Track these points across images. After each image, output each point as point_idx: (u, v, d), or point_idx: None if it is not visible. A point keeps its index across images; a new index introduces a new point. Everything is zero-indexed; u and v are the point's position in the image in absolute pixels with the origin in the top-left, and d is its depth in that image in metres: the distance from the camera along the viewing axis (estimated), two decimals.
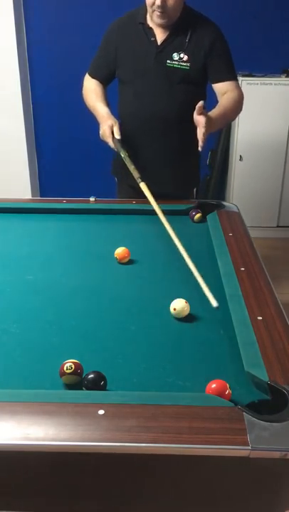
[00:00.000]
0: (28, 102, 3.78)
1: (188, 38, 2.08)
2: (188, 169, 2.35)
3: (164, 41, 2.10)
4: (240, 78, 3.51)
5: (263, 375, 1.04)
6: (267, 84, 3.52)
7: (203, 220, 1.98)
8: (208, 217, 1.97)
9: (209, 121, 1.87)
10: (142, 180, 1.89)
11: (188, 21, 2.09)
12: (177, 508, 0.98)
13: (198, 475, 0.92)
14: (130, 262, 1.66)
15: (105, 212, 2.07)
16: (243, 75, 3.54)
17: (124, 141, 2.11)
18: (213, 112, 2.00)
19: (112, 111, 2.18)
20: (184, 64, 2.08)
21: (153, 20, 2.07)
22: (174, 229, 1.66)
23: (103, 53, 2.25)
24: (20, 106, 3.59)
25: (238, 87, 2.18)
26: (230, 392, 1.00)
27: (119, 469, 0.92)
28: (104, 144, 2.11)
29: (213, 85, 2.17)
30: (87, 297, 1.46)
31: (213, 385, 1.01)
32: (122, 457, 0.89)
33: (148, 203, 2.16)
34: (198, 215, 1.98)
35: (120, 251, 1.65)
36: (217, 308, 1.30)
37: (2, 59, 3.46)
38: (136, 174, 1.92)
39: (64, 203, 2.11)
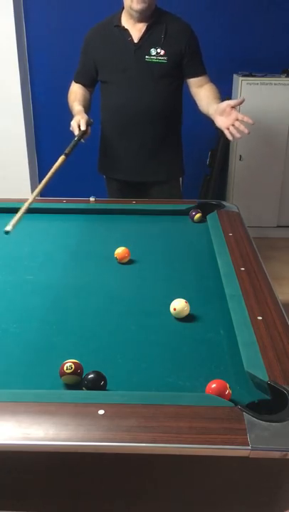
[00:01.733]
0: (28, 102, 3.78)
1: (163, 34, 2.22)
2: (173, 159, 2.48)
3: (141, 38, 2.23)
4: (240, 78, 3.52)
5: (263, 375, 1.04)
6: (267, 84, 3.52)
7: (203, 220, 1.98)
8: (208, 217, 1.97)
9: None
10: (65, 155, 2.00)
11: (161, 19, 2.24)
12: (177, 508, 0.98)
13: (198, 475, 0.92)
14: (130, 262, 1.67)
15: (105, 212, 2.07)
16: (243, 75, 3.55)
17: (109, 135, 2.37)
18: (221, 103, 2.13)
19: (91, 111, 2.38)
20: (162, 58, 2.23)
21: (133, 8, 2.17)
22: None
23: (83, 61, 2.40)
24: (20, 106, 3.59)
25: (210, 80, 2.36)
26: (230, 392, 1.00)
27: (119, 469, 0.92)
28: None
29: (188, 80, 2.34)
30: (87, 297, 1.46)
31: (213, 385, 1.01)
32: (122, 457, 0.89)
33: (148, 203, 2.18)
34: (198, 215, 1.98)
35: (120, 251, 1.65)
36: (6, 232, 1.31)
37: (2, 59, 3.46)
38: (68, 149, 2.03)
39: (64, 203, 2.12)
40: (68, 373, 1.06)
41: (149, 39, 2.23)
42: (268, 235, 3.84)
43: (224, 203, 2.10)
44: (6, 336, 1.26)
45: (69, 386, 1.07)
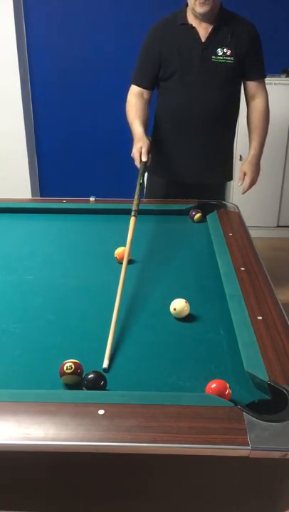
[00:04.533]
0: (28, 102, 3.78)
1: (230, 33, 2.19)
2: (227, 162, 2.47)
3: (208, 38, 2.19)
4: None
5: (263, 375, 1.04)
6: (267, 84, 3.49)
7: (203, 220, 1.98)
8: (208, 217, 1.97)
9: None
10: (134, 216, 1.80)
11: (227, 19, 2.21)
12: (177, 508, 0.98)
13: (198, 475, 0.92)
14: (130, 262, 1.66)
15: (105, 212, 2.07)
16: None
17: (165, 135, 2.32)
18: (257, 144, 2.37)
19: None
20: (228, 58, 2.20)
21: (196, 11, 2.13)
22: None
23: (145, 59, 2.30)
24: (20, 105, 3.60)
25: (265, 89, 2.36)
26: (230, 392, 1.00)
27: (119, 469, 0.92)
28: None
29: (245, 82, 2.32)
30: (87, 297, 1.46)
31: (213, 385, 1.01)
32: (122, 457, 0.89)
33: (148, 202, 2.17)
34: (198, 215, 1.98)
35: (120, 251, 1.65)
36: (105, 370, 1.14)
37: (2, 59, 3.46)
38: (134, 206, 1.85)
39: (64, 203, 2.12)
40: (68, 373, 1.06)
41: (215, 39, 2.19)
42: (267, 235, 3.84)
43: (224, 202, 2.10)
44: (6, 336, 1.26)
45: (69, 386, 1.07)
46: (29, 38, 3.63)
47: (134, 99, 2.31)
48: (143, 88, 2.31)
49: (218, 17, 2.18)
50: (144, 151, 2.10)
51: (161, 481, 0.93)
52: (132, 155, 2.14)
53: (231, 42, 2.19)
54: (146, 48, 2.28)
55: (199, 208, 2.03)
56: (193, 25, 2.19)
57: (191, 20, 2.19)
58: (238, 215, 1.98)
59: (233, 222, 1.88)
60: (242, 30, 2.21)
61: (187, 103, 2.25)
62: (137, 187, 1.94)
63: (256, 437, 0.87)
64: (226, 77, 2.22)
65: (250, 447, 0.86)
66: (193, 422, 0.91)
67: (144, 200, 2.23)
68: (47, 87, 3.76)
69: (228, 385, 1.01)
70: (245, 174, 2.37)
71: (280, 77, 3.57)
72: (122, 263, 1.65)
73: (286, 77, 3.56)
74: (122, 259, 1.65)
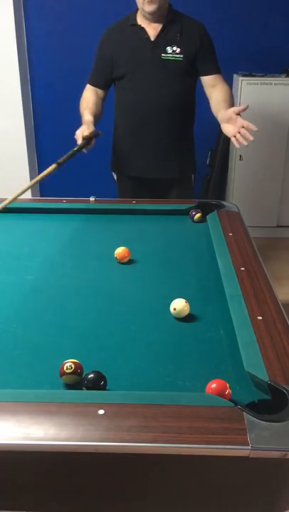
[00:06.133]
0: (28, 102, 3.77)
1: (179, 32, 2.27)
2: (186, 156, 2.51)
3: (157, 37, 2.27)
4: (240, 78, 3.52)
5: (263, 375, 1.04)
6: (267, 84, 3.52)
7: (203, 220, 1.98)
8: (208, 217, 1.97)
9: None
10: (56, 164, 2.04)
11: (176, 18, 2.29)
12: (177, 508, 0.98)
13: (198, 475, 0.92)
14: (130, 262, 1.67)
15: (105, 212, 2.07)
16: (243, 75, 3.55)
17: (123, 133, 2.43)
18: (227, 110, 2.18)
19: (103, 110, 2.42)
20: (178, 56, 2.27)
21: (144, 10, 2.22)
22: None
23: (99, 60, 2.41)
24: (20, 106, 3.59)
25: (224, 81, 2.37)
26: (230, 392, 1.00)
27: (119, 469, 0.92)
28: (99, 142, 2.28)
29: (202, 78, 2.37)
30: (87, 297, 1.46)
31: (213, 385, 1.01)
32: (122, 457, 0.89)
33: (148, 202, 2.18)
34: (198, 215, 1.98)
35: (120, 251, 1.65)
36: None
37: (2, 59, 3.46)
38: (61, 159, 2.07)
39: (64, 203, 2.12)
40: (68, 373, 1.06)
41: (165, 37, 2.26)
42: (267, 235, 3.84)
43: (224, 202, 2.10)
44: (6, 336, 1.26)
45: (69, 386, 1.07)
46: (29, 38, 3.63)
47: (88, 93, 2.42)
48: (98, 88, 2.42)
49: (166, 17, 2.26)
50: (87, 132, 2.18)
51: (161, 481, 0.93)
52: (75, 136, 2.22)
53: (180, 40, 2.26)
54: (100, 50, 2.39)
55: (199, 207, 2.03)
56: (143, 25, 2.28)
57: (141, 21, 2.28)
58: (238, 215, 1.98)
59: (233, 222, 1.88)
60: (191, 29, 2.29)
61: (138, 101, 2.33)
62: (73, 150, 2.10)
63: (256, 437, 0.87)
64: (176, 74, 2.29)
65: (250, 447, 0.86)
66: (193, 422, 0.91)
67: (145, 200, 2.23)
68: (47, 87, 3.76)
69: (228, 385, 1.01)
70: (231, 117, 2.13)
71: (280, 77, 3.57)
72: (122, 263, 1.65)
73: (286, 77, 3.56)
74: (122, 259, 1.65)
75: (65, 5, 3.58)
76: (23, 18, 3.58)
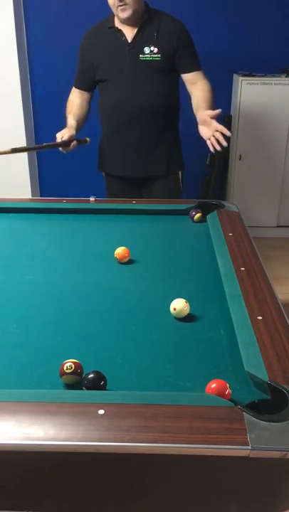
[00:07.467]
0: (28, 102, 3.77)
1: (156, 32, 2.28)
2: (171, 153, 2.51)
3: (134, 38, 2.29)
4: (240, 78, 3.52)
5: (263, 375, 1.04)
6: (267, 84, 3.52)
7: (203, 220, 1.98)
8: (208, 217, 1.97)
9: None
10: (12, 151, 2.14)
11: (153, 18, 2.30)
12: (177, 508, 0.98)
13: (198, 475, 0.92)
14: (130, 261, 1.67)
15: (105, 212, 2.07)
16: (243, 75, 3.54)
17: (108, 133, 2.48)
18: (206, 110, 2.18)
19: (91, 109, 2.50)
20: (156, 56, 2.29)
21: (119, 17, 2.25)
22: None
23: (81, 64, 2.45)
24: (20, 105, 3.59)
25: (205, 77, 2.36)
26: (230, 391, 1.00)
27: (119, 469, 0.92)
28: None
29: (182, 75, 2.38)
30: (87, 297, 1.46)
31: (213, 385, 1.01)
32: (122, 457, 0.89)
33: (148, 202, 2.18)
34: (198, 215, 1.98)
35: (120, 251, 1.65)
36: None
37: (2, 59, 3.46)
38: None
39: (64, 203, 2.12)
40: (68, 373, 1.06)
41: (142, 38, 2.29)
42: (267, 235, 3.84)
43: (224, 202, 2.10)
44: (6, 336, 1.26)
45: (69, 386, 1.07)
46: (29, 38, 3.63)
47: (74, 97, 2.49)
48: (83, 91, 2.47)
49: (143, 18, 2.27)
50: (66, 136, 2.25)
51: (161, 481, 0.93)
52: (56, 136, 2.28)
53: (158, 40, 2.27)
54: (81, 55, 2.43)
55: (199, 207, 2.03)
56: (120, 27, 2.30)
57: (118, 23, 2.30)
58: (238, 215, 1.98)
59: (233, 222, 1.88)
60: (168, 27, 2.29)
61: (120, 103, 2.36)
62: (41, 145, 2.20)
63: (256, 437, 0.87)
64: (156, 74, 2.31)
65: (250, 447, 0.86)
66: (193, 422, 0.91)
67: (145, 200, 2.24)
68: (47, 87, 3.76)
69: (228, 385, 1.01)
70: (206, 120, 2.14)
71: (280, 77, 3.56)
72: (122, 263, 1.65)
73: (286, 77, 3.56)
74: (122, 259, 1.65)
75: (65, 5, 3.58)
76: (23, 18, 3.57)
